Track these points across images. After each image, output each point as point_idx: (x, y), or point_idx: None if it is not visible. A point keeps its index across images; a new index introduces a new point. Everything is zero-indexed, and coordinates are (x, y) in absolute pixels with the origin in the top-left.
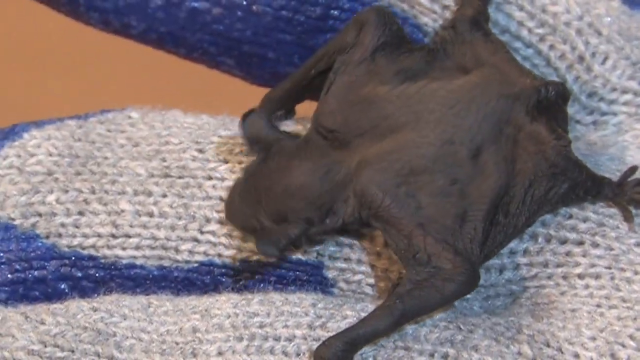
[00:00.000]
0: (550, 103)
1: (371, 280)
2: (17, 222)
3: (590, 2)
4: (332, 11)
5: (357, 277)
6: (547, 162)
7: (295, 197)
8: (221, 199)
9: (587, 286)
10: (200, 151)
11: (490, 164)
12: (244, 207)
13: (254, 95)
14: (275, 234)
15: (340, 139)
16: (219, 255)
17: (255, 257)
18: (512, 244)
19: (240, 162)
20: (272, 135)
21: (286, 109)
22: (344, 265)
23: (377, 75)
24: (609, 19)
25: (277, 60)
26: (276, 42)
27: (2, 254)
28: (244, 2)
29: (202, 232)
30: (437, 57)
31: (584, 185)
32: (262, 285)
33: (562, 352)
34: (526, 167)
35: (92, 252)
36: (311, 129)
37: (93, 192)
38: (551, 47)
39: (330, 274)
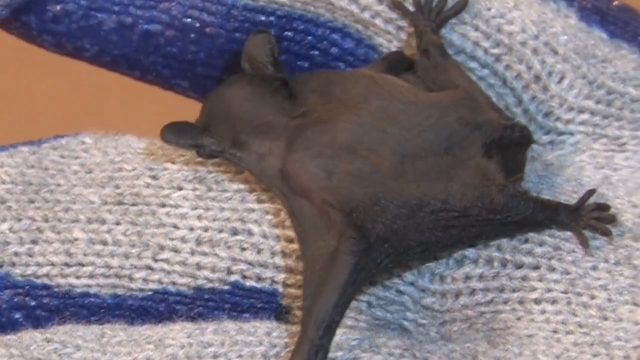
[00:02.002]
0: (511, 144)
1: None
2: None
3: (547, 20)
4: (285, 33)
5: None
6: (489, 198)
7: (227, 110)
8: (175, 226)
9: (543, 311)
10: (154, 178)
11: (420, 171)
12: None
13: None
14: (187, 130)
15: (299, 92)
16: (173, 283)
17: (209, 285)
18: (468, 269)
19: (194, 189)
20: (267, 64)
21: None
22: (297, 292)
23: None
24: (565, 37)
25: None
26: (230, 64)
27: None
28: (197, 25)
29: (156, 260)
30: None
31: (534, 218)
32: (216, 312)
33: None
34: (466, 192)
35: (46, 281)
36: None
37: (46, 220)
38: (507, 67)
39: (284, 301)
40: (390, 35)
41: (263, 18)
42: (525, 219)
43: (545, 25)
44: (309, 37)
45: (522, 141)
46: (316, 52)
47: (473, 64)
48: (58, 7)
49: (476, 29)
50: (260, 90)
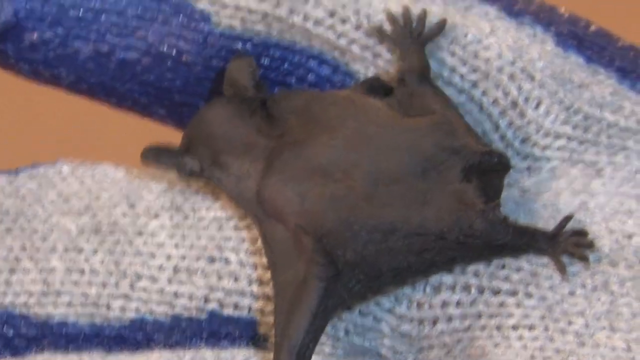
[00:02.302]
0: (489, 170)
1: None
2: None
3: (523, 46)
4: (262, 60)
5: None
6: (468, 222)
7: (207, 130)
8: (152, 254)
9: (520, 337)
10: (131, 206)
11: (395, 195)
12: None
13: None
14: (167, 150)
15: (278, 112)
16: (151, 312)
17: (187, 314)
18: (445, 295)
19: (171, 217)
20: (249, 87)
21: None
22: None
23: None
24: (542, 63)
25: None
26: (207, 92)
27: None
28: (174, 52)
29: (133, 289)
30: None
31: (512, 244)
32: (194, 341)
33: None
34: (443, 217)
35: (24, 310)
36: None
37: (24, 249)
38: (484, 93)
39: (262, 330)
40: (367, 62)
41: (239, 46)
42: (503, 244)
43: (522, 51)
44: (286, 64)
45: (500, 167)
46: (293, 79)
47: (450, 90)
48: (35, 36)
49: (453, 54)
50: (239, 112)
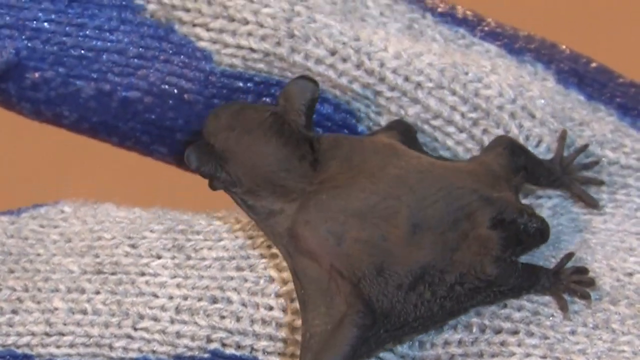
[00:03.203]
0: (524, 234)
1: None
2: None
3: (524, 84)
4: (263, 99)
5: None
6: (482, 268)
7: (252, 159)
8: (154, 294)
9: None
10: (133, 246)
11: (427, 241)
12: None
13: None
14: (209, 159)
15: (322, 157)
16: (153, 351)
17: (189, 354)
18: (447, 335)
19: (173, 258)
20: (301, 111)
21: None
22: (277, 359)
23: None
24: (542, 100)
25: None
26: None
27: None
28: (175, 91)
29: (135, 329)
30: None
31: (520, 286)
32: None
33: None
34: (464, 261)
35: (27, 350)
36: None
37: (26, 290)
38: (484, 131)
39: None
40: (368, 100)
41: (241, 84)
42: (513, 287)
43: (523, 89)
44: None
45: (536, 235)
46: None
47: (450, 129)
48: (37, 75)
49: (453, 93)
50: (289, 151)
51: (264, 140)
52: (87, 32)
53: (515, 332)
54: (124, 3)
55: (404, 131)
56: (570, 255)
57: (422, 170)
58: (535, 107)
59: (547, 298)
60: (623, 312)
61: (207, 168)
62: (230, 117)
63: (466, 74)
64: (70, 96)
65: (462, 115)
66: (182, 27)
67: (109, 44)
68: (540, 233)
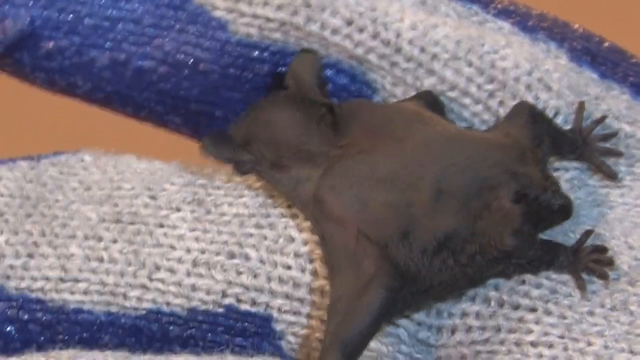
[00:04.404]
0: (546, 209)
1: (319, 335)
2: None
3: (539, 58)
4: (280, 68)
5: (305, 331)
6: (501, 239)
7: (271, 132)
8: (172, 246)
9: (540, 355)
10: (153, 197)
11: (451, 209)
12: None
13: None
14: (228, 144)
15: (344, 121)
16: (167, 303)
17: (203, 307)
18: (464, 305)
19: (192, 211)
20: (314, 86)
21: None
22: (292, 318)
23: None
24: (558, 74)
25: (225, 118)
26: (224, 100)
27: None
28: (190, 61)
29: (151, 280)
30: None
31: (539, 261)
32: (210, 335)
33: None
34: (485, 231)
35: (40, 295)
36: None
37: (43, 234)
38: (501, 103)
39: (278, 327)
40: (384, 71)
41: (257, 54)
42: (532, 260)
43: (538, 62)
44: None
45: (560, 212)
46: None
47: (466, 100)
48: (51, 44)
49: (470, 64)
50: (306, 116)
51: (280, 113)
52: (102, 1)
53: (533, 309)
54: None
55: (432, 102)
56: (589, 233)
57: (448, 137)
58: (551, 80)
59: (565, 276)
60: None
61: (227, 154)
62: (247, 113)
63: (482, 45)
64: (85, 65)
65: (479, 86)
66: None
67: (124, 12)
68: (564, 210)
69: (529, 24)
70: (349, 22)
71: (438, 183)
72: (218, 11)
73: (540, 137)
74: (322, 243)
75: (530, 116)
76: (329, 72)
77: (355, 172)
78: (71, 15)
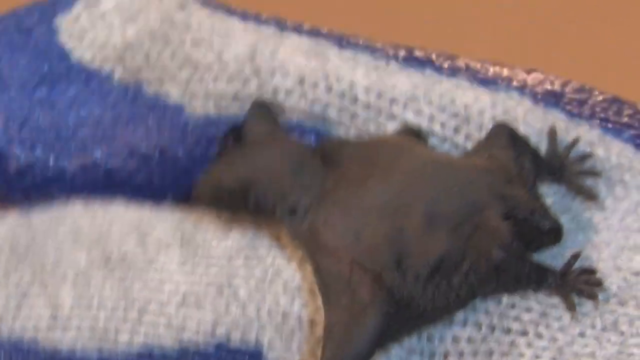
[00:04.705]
0: (536, 231)
1: None
2: None
3: (499, 96)
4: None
5: None
6: (487, 251)
7: (267, 175)
8: (161, 284)
9: None
10: (142, 238)
11: (442, 233)
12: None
13: None
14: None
15: (326, 159)
16: (159, 343)
17: (194, 342)
18: (456, 330)
19: (181, 250)
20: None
21: None
22: (283, 351)
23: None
24: (522, 108)
25: None
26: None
27: None
28: (156, 151)
29: (141, 318)
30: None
31: (527, 280)
32: None
33: None
34: (475, 249)
35: (32, 340)
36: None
37: (34, 279)
38: (467, 137)
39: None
40: (346, 125)
41: (218, 130)
42: (520, 276)
43: (499, 98)
44: None
45: (550, 235)
46: None
47: (432, 140)
48: (19, 162)
49: (430, 103)
50: (299, 154)
51: (276, 154)
52: (60, 110)
53: (524, 333)
54: (90, 75)
55: (415, 133)
56: (577, 255)
57: (435, 164)
58: (516, 113)
59: (555, 299)
60: (631, 313)
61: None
62: (220, 164)
63: (440, 88)
64: (56, 176)
65: (442, 124)
66: (150, 86)
67: (83, 117)
68: (554, 232)
69: (488, 77)
70: (301, 81)
71: (428, 209)
72: (172, 97)
73: (522, 157)
74: (317, 273)
75: (510, 136)
76: (292, 134)
77: (348, 204)
78: (33, 130)
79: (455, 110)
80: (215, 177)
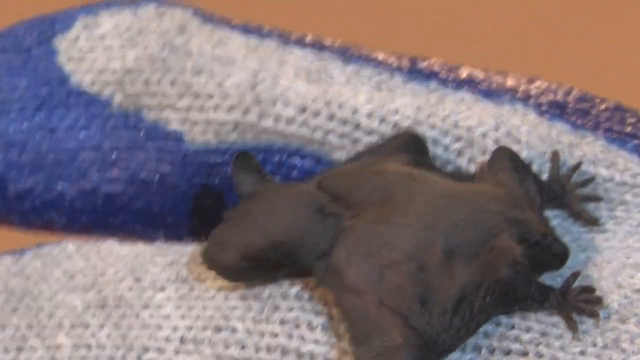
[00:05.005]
0: (545, 254)
1: None
2: None
3: (504, 114)
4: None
5: None
6: (496, 270)
7: (279, 234)
8: (158, 326)
9: None
10: (137, 280)
11: (462, 265)
12: (230, 239)
13: None
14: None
15: (336, 196)
16: None
17: None
18: (456, 356)
19: (177, 289)
20: (262, 174)
21: None
22: None
23: (393, 160)
24: (526, 127)
25: (201, 225)
26: (196, 209)
27: None
28: (156, 177)
29: None
30: (461, 176)
31: (532, 297)
32: None
33: None
34: (489, 271)
35: None
36: (311, 182)
37: (30, 327)
38: (470, 160)
39: None
40: (347, 150)
41: (218, 159)
42: (526, 296)
43: (503, 118)
44: (268, 166)
45: (556, 258)
46: (278, 178)
47: (435, 163)
48: (19, 186)
49: (433, 127)
50: (310, 198)
51: (285, 204)
52: (59, 135)
53: (524, 354)
54: (89, 99)
55: (416, 147)
56: (576, 275)
57: (448, 195)
58: (519, 133)
59: (555, 318)
60: (632, 330)
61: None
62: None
63: (443, 109)
64: (55, 201)
65: (445, 147)
66: (150, 113)
67: (82, 142)
68: (560, 257)
69: (492, 89)
70: (303, 109)
71: (447, 243)
72: (172, 124)
73: (526, 180)
74: (344, 315)
75: (512, 160)
76: (293, 160)
77: (368, 242)
78: (32, 155)
79: (459, 134)
80: (239, 241)
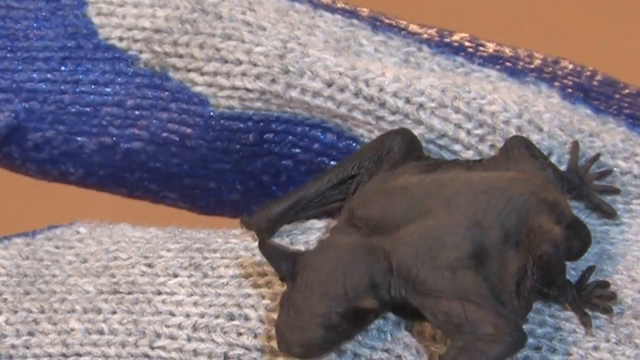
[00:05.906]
0: (571, 239)
1: None
2: None
3: (529, 99)
4: (266, 135)
5: None
6: (540, 249)
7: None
8: (171, 313)
9: None
10: (149, 266)
11: (513, 250)
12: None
13: None
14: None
15: (373, 226)
16: None
17: None
18: None
19: (190, 276)
20: (289, 251)
21: (280, 226)
22: None
23: (407, 172)
24: (549, 114)
25: (219, 189)
26: (215, 172)
27: None
28: (177, 138)
29: (152, 348)
30: (472, 165)
31: (559, 285)
32: None
33: None
34: (533, 251)
35: None
36: (340, 222)
37: (42, 311)
38: (492, 146)
39: None
40: (371, 125)
41: (241, 125)
42: (556, 280)
43: (527, 104)
44: (289, 137)
45: (580, 245)
46: (298, 150)
47: (456, 147)
48: (38, 135)
49: (457, 111)
50: (352, 251)
51: (323, 258)
52: (83, 88)
53: (537, 348)
54: (116, 55)
55: (415, 152)
56: (591, 269)
57: (485, 190)
58: (542, 121)
59: (568, 313)
60: None
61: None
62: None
63: (468, 92)
64: (74, 153)
65: (468, 132)
66: (176, 74)
67: (106, 97)
68: (583, 244)
69: (517, 68)
70: (330, 84)
71: (499, 235)
72: (198, 87)
73: (545, 166)
74: (433, 318)
75: (528, 148)
76: (315, 132)
77: (427, 248)
78: (54, 105)
79: (482, 119)
80: (319, 314)
